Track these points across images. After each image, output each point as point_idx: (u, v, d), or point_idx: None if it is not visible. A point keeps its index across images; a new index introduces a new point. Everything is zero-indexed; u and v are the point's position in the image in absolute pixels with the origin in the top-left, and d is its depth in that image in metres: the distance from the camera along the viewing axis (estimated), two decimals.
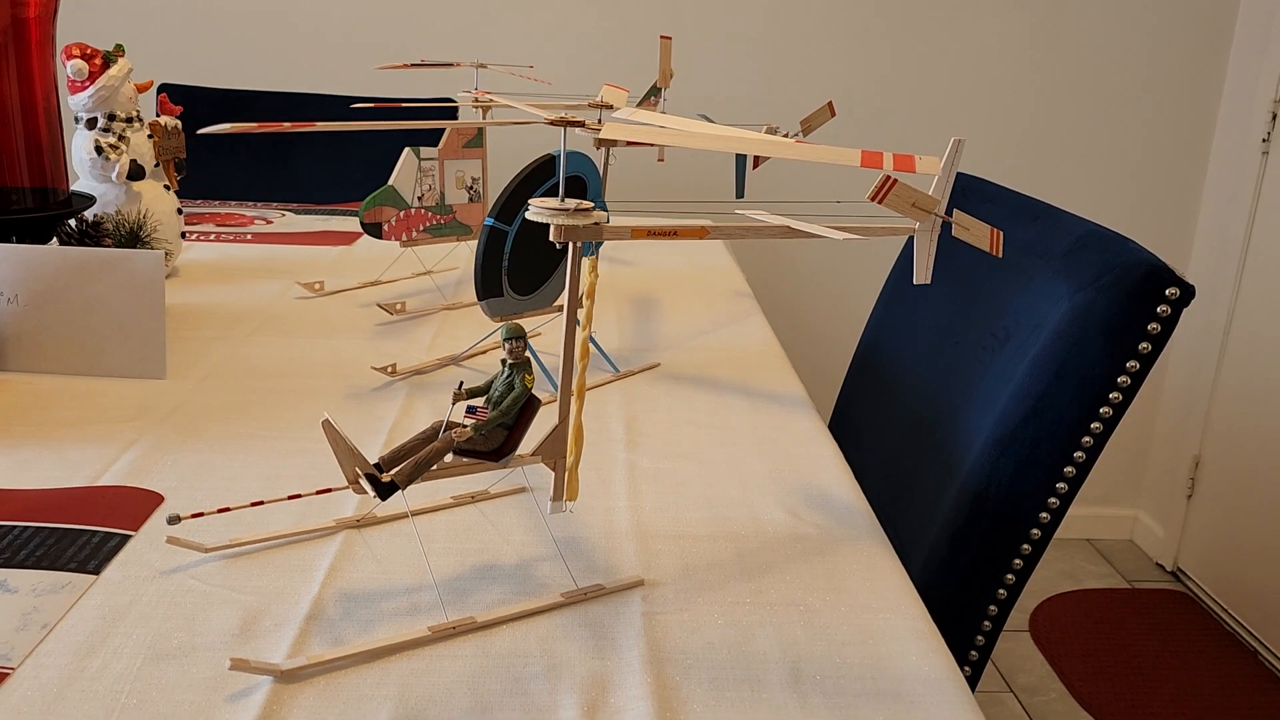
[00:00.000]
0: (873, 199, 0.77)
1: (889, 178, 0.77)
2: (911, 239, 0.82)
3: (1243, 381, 2.34)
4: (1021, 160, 2.38)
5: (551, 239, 0.66)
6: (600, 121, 1.13)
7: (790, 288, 2.43)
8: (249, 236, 1.54)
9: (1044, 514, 0.93)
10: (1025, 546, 0.94)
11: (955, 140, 0.81)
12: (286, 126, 0.51)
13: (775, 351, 1.15)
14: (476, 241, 1.31)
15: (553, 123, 0.68)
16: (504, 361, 0.67)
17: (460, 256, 1.46)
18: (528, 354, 0.68)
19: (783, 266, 2.41)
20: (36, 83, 1.07)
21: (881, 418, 1.30)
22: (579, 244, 0.67)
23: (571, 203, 0.66)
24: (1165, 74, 2.34)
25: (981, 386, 1.06)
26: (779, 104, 2.31)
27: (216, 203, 1.76)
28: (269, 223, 1.64)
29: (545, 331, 1.15)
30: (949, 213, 0.81)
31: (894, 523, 1.05)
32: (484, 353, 1.10)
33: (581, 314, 0.69)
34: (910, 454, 1.18)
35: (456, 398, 0.66)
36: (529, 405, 0.67)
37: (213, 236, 1.52)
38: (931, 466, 1.11)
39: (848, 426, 1.38)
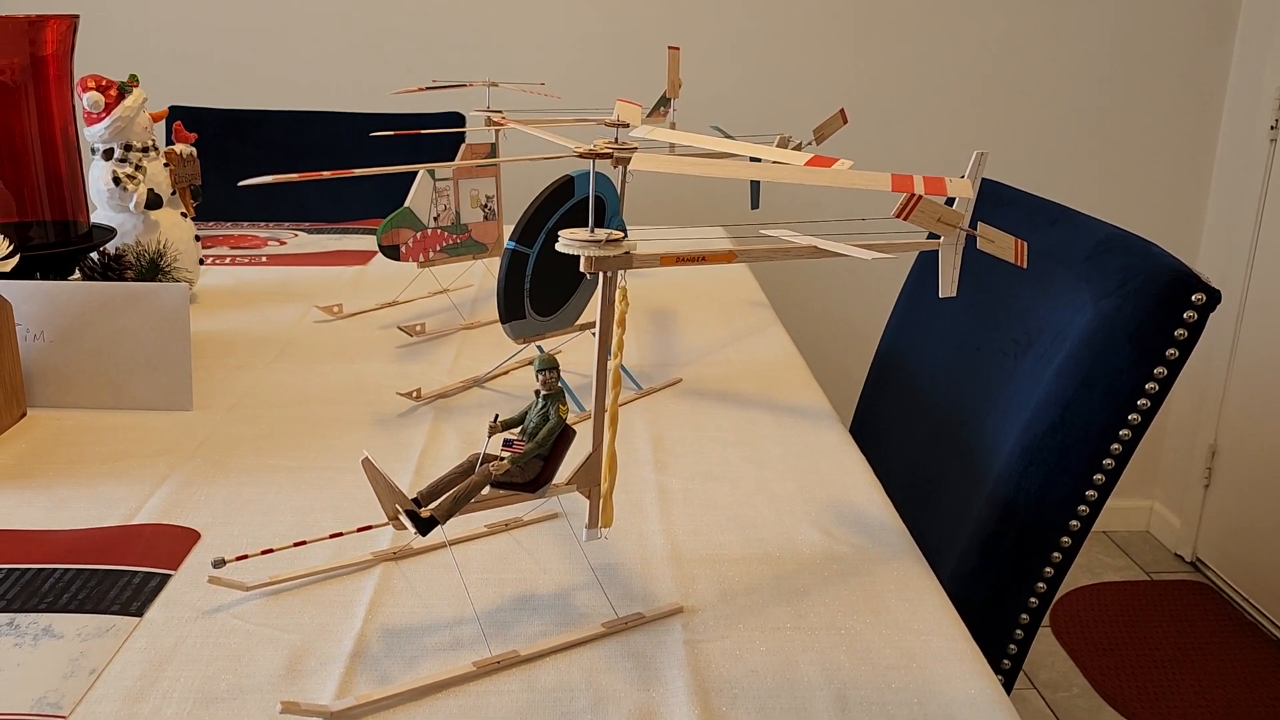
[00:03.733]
0: (898, 216, 0.77)
1: (913, 195, 0.78)
2: (931, 250, 0.82)
3: (1257, 369, 2.33)
4: (1028, 157, 2.38)
5: (582, 269, 0.66)
6: (618, 140, 1.13)
7: (805, 294, 2.43)
8: (264, 259, 1.54)
9: (1074, 521, 0.93)
10: (1056, 555, 0.94)
11: (978, 154, 0.81)
12: (326, 175, 0.51)
13: (796, 363, 1.15)
14: (492, 258, 1.32)
15: (582, 155, 0.68)
16: (538, 392, 0.67)
17: (476, 274, 1.46)
18: (560, 385, 0.68)
19: (797, 273, 2.41)
20: (55, 117, 1.07)
21: (903, 423, 1.30)
22: (610, 273, 0.67)
23: (601, 233, 0.66)
24: (1169, 65, 2.33)
25: (1005, 393, 1.06)
26: (789, 111, 2.31)
27: (229, 224, 1.77)
28: (283, 244, 1.64)
29: (567, 350, 1.16)
30: (973, 225, 0.81)
31: (920, 529, 1.05)
32: (506, 374, 1.10)
33: (613, 342, 0.69)
34: (934, 460, 1.18)
35: (492, 430, 0.66)
36: (564, 436, 0.67)
37: (228, 260, 1.53)
38: (956, 473, 1.11)
39: (869, 432, 1.38)
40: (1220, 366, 2.43)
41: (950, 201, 0.81)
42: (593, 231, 0.66)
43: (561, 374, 1.09)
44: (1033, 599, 0.96)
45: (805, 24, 2.28)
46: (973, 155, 0.80)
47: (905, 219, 0.77)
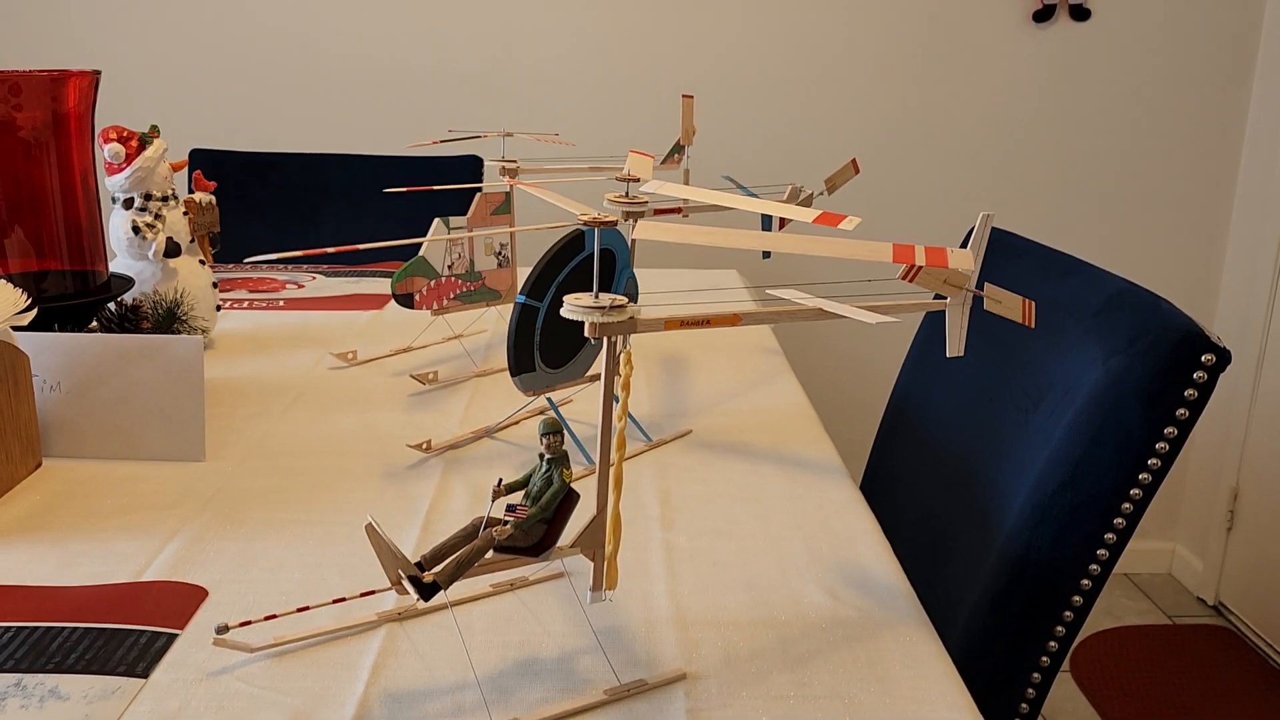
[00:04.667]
0: (904, 278, 0.77)
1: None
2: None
3: (1279, 410, 2.31)
4: (1042, 207, 2.38)
5: (586, 335, 0.66)
6: (629, 194, 1.14)
7: (819, 340, 2.43)
8: (281, 303, 1.56)
9: (1085, 580, 0.92)
10: (1067, 614, 0.93)
11: (984, 215, 0.81)
12: (331, 250, 0.52)
13: (807, 414, 1.15)
14: (505, 305, 1.33)
15: (587, 223, 0.69)
16: (542, 456, 0.68)
17: (489, 320, 1.47)
18: (566, 431, 0.68)
19: (810, 321, 2.41)
20: (75, 169, 1.09)
21: (916, 474, 1.29)
22: (614, 339, 0.68)
23: (606, 298, 0.66)
24: (1186, 115, 2.33)
25: (1016, 447, 1.05)
26: (803, 156, 2.32)
27: (248, 267, 1.79)
28: (300, 287, 1.66)
29: (577, 400, 1.16)
30: (980, 285, 0.81)
31: (932, 581, 1.05)
32: (517, 424, 1.10)
33: (617, 407, 0.69)
34: (945, 512, 1.17)
35: (496, 494, 0.67)
36: (568, 500, 0.67)
37: (246, 304, 1.54)
38: (968, 526, 1.10)
39: (882, 480, 1.38)
40: (1242, 408, 2.41)
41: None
42: (597, 297, 0.66)
43: (570, 425, 1.09)
44: (1045, 657, 0.95)
45: (819, 72, 2.29)
46: (979, 216, 0.80)
47: (911, 280, 0.77)
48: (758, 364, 1.32)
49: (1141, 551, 2.65)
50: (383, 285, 1.67)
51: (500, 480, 0.67)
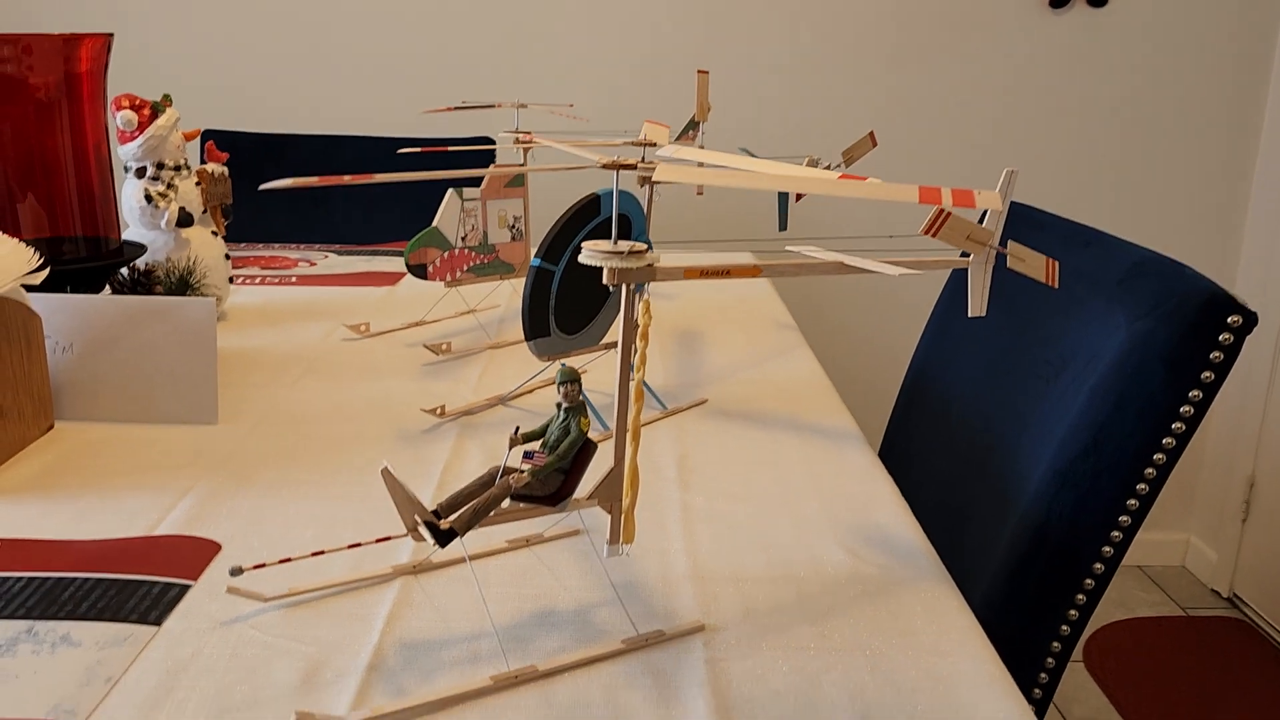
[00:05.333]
0: (927, 233, 0.76)
1: (942, 211, 0.77)
2: (962, 270, 0.81)
3: None
4: (1062, 181, 2.36)
5: (605, 282, 0.66)
6: (645, 160, 1.13)
7: (833, 317, 2.42)
8: (294, 279, 1.55)
9: (1106, 548, 0.91)
10: (1088, 581, 0.92)
11: (1008, 171, 0.80)
12: (347, 179, 0.51)
13: (823, 384, 1.14)
14: (518, 279, 1.32)
15: (605, 166, 0.68)
16: (559, 405, 0.67)
17: (503, 295, 1.46)
18: (582, 397, 0.67)
19: (824, 296, 2.40)
20: (88, 134, 1.08)
21: (933, 447, 1.28)
22: (632, 286, 0.67)
23: (624, 245, 0.65)
24: (1205, 87, 2.31)
25: (1037, 416, 1.04)
26: (817, 136, 2.31)
27: (260, 246, 1.78)
28: (313, 264, 1.65)
29: (592, 369, 1.15)
30: (1003, 244, 0.80)
31: (950, 554, 1.03)
32: (531, 392, 1.10)
33: (636, 356, 0.68)
34: (964, 484, 1.16)
35: (513, 443, 0.66)
36: (585, 449, 0.66)
37: (258, 280, 1.54)
38: (987, 497, 1.09)
39: (898, 456, 1.36)
40: (1258, 397, 2.39)
41: (980, 219, 0.80)
42: (616, 243, 0.65)
43: (585, 392, 1.08)
44: (1065, 626, 0.94)
45: (834, 48, 2.28)
46: (1003, 173, 0.79)
47: (934, 236, 0.76)
48: (772, 337, 1.31)
49: (1155, 543, 2.63)
50: (394, 264, 1.66)
51: (517, 429, 0.66)
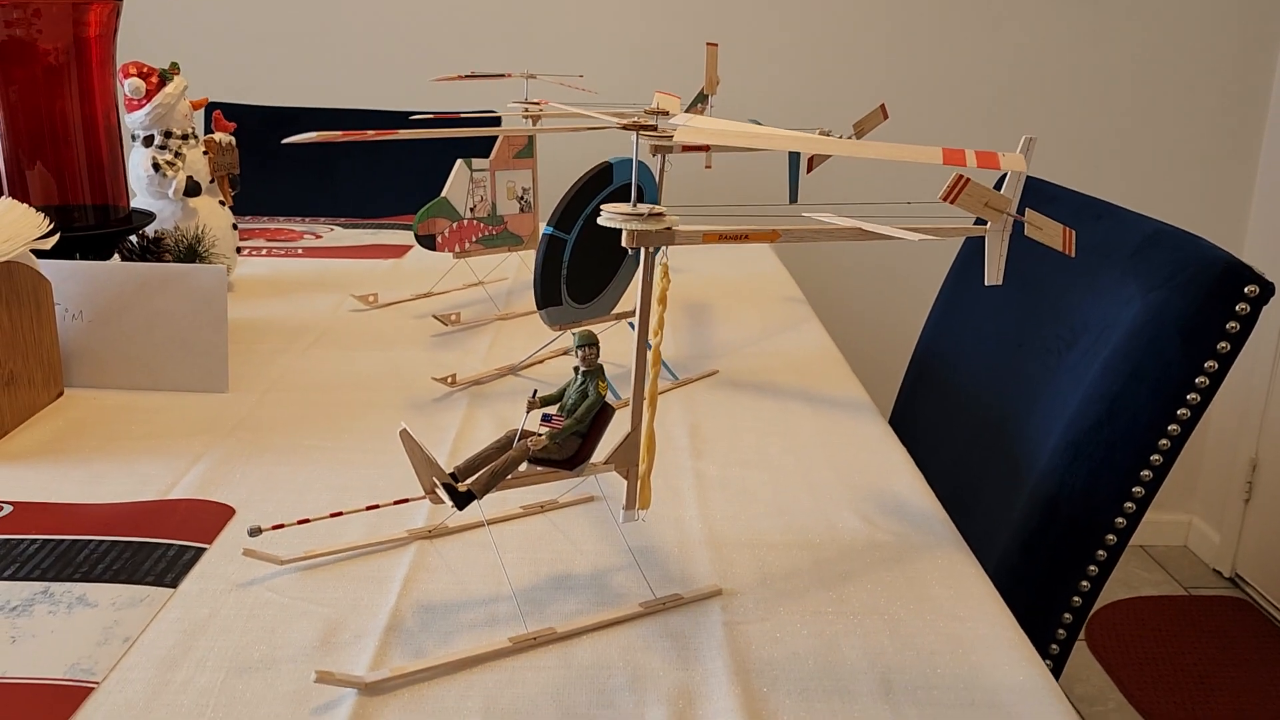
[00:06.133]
0: (945, 199, 0.75)
1: (961, 177, 0.76)
2: (972, 241, 0.80)
3: None
4: (1067, 156, 2.35)
5: (624, 244, 0.65)
6: (657, 129, 1.12)
7: (841, 292, 2.41)
8: (300, 251, 1.55)
9: (1120, 519, 0.91)
10: (1100, 553, 0.92)
11: (1027, 138, 0.79)
12: (371, 135, 0.51)
13: (834, 356, 1.14)
14: (527, 251, 1.31)
15: (625, 127, 0.67)
16: (577, 369, 0.66)
17: (510, 267, 1.46)
18: (600, 361, 0.67)
19: (832, 271, 2.40)
20: (97, 101, 1.08)
21: (943, 422, 1.28)
22: (651, 249, 0.66)
23: (644, 207, 0.65)
24: (1212, 65, 2.30)
25: (1049, 390, 1.04)
26: (828, 107, 2.30)
27: (265, 218, 1.78)
28: (318, 237, 1.64)
29: (603, 339, 1.14)
30: (1020, 211, 0.79)
31: (960, 529, 1.04)
32: (541, 362, 1.09)
33: (653, 320, 0.68)
34: (975, 459, 1.16)
35: (531, 406, 0.66)
36: (603, 413, 0.66)
37: (264, 251, 1.53)
38: (998, 472, 1.09)
39: (907, 431, 1.36)
40: (1262, 378, 2.38)
41: (998, 186, 0.80)
42: (635, 205, 0.65)
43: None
44: (1076, 598, 0.94)
45: (844, 21, 2.26)
46: (1022, 139, 0.79)
47: (952, 202, 0.76)
48: (782, 311, 1.31)
49: (1157, 524, 2.63)
50: (402, 236, 1.66)
51: (535, 392, 0.66)
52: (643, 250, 0.66)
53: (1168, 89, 2.31)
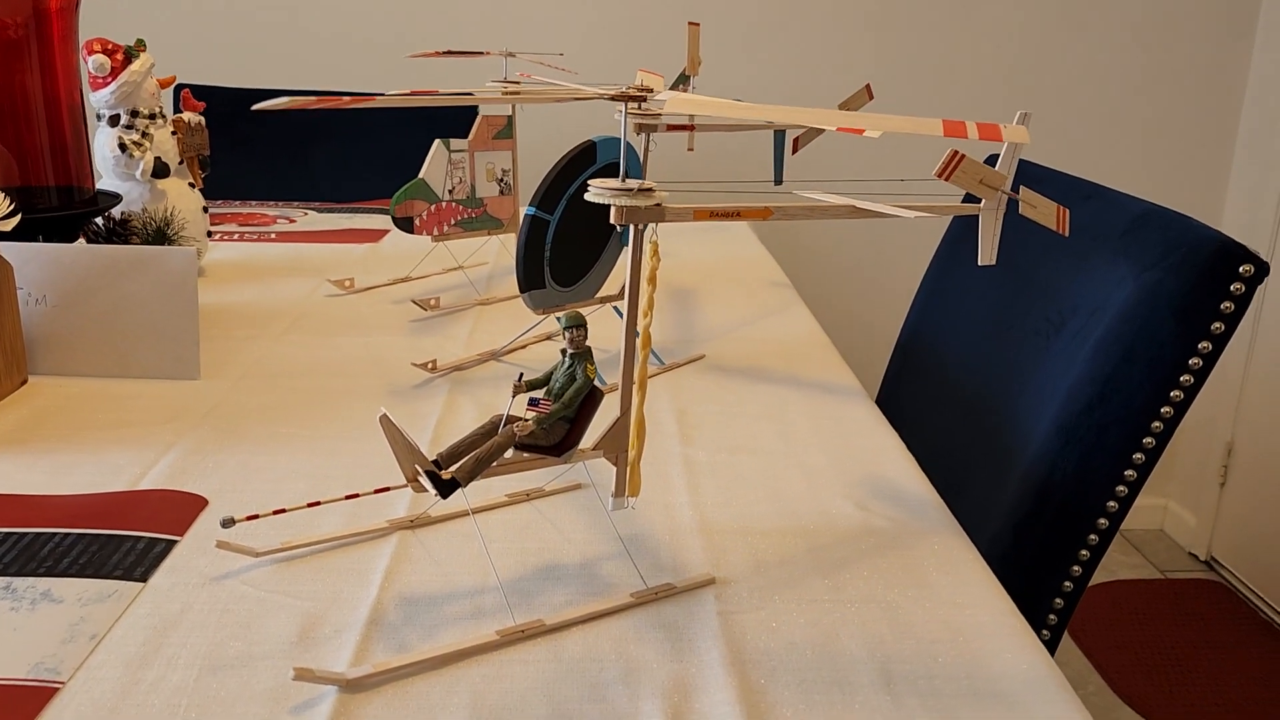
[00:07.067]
0: (939, 175, 0.73)
1: (956, 153, 0.74)
2: (957, 224, 0.79)
3: (1274, 366, 2.30)
4: (1045, 137, 2.35)
5: (612, 220, 0.63)
6: (641, 107, 1.10)
7: (822, 278, 2.39)
8: (273, 235, 1.51)
9: (1112, 503, 0.90)
10: (1092, 537, 0.91)
11: (1022, 113, 0.77)
12: (346, 102, 0.48)
13: (821, 341, 1.12)
14: (507, 235, 1.28)
15: (614, 98, 0.65)
16: (564, 351, 0.64)
17: (490, 251, 1.43)
18: (589, 343, 0.65)
19: (813, 257, 2.38)
20: (60, 78, 1.04)
21: (929, 407, 1.26)
22: (640, 226, 0.64)
23: (633, 182, 0.63)
24: (1190, 56, 2.30)
25: (1039, 373, 1.03)
26: (811, 88, 2.28)
27: (237, 203, 1.74)
28: (292, 221, 1.61)
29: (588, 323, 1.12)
30: (1015, 189, 0.77)
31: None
32: (524, 347, 1.07)
33: (643, 300, 0.66)
34: (962, 444, 1.15)
35: (517, 390, 0.63)
36: (591, 397, 0.64)
37: (236, 236, 1.50)
38: (986, 457, 1.08)
39: (892, 415, 1.34)
40: (1238, 363, 2.39)
41: (991, 163, 0.78)
42: (624, 180, 0.62)
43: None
44: (1067, 582, 0.93)
45: (827, 5, 2.24)
46: (1017, 114, 0.77)
47: (947, 178, 0.74)
48: (768, 295, 1.29)
49: (1134, 507, 2.63)
50: (377, 221, 1.62)
51: (521, 375, 0.64)
52: (632, 228, 0.64)
53: (1144, 72, 2.31)
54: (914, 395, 1.32)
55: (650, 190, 0.63)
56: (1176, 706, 1.96)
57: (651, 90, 1.06)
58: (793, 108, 0.64)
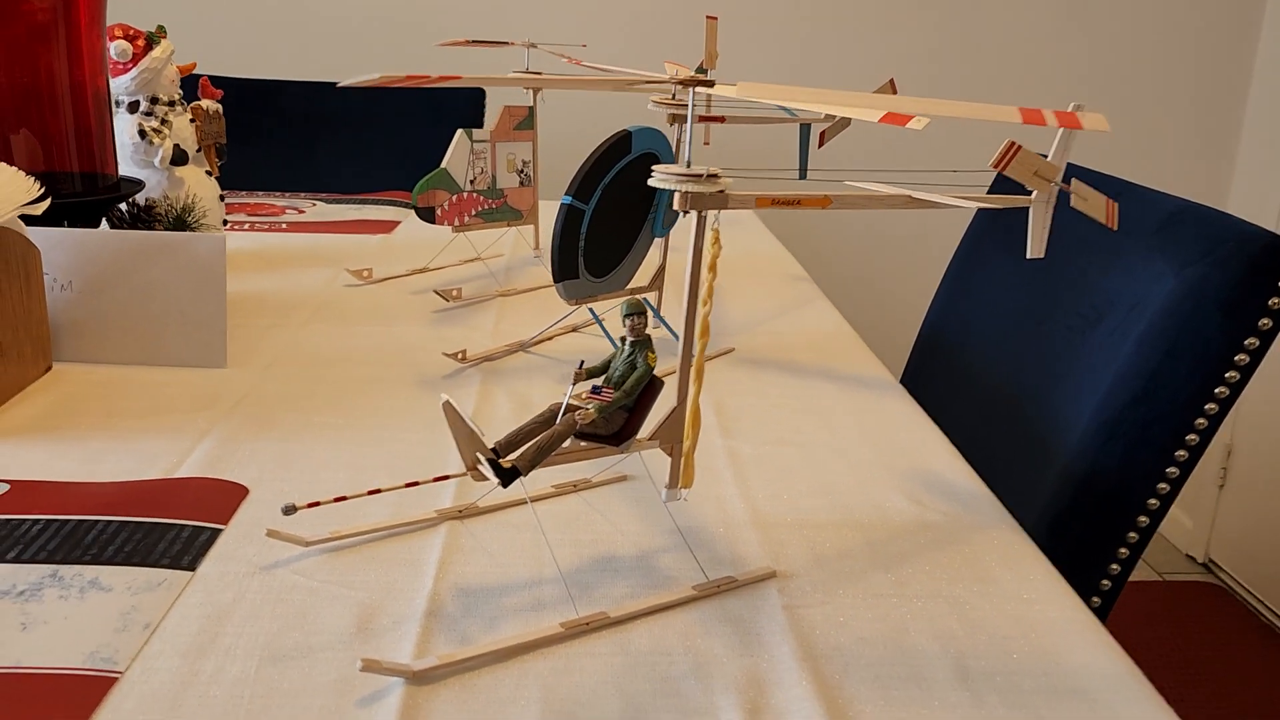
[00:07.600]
0: (995, 166, 0.73)
1: (1012, 144, 0.74)
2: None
3: (1274, 367, 2.30)
4: (1049, 134, 2.34)
5: (676, 207, 0.62)
6: (675, 97, 1.09)
7: (839, 274, 2.38)
8: (284, 226, 1.49)
9: (1153, 500, 0.89)
10: (1132, 535, 0.90)
11: (1075, 106, 0.77)
12: (434, 79, 0.47)
13: (849, 334, 1.11)
14: (525, 226, 1.27)
15: (681, 83, 0.64)
16: (624, 339, 0.63)
17: (507, 243, 1.41)
18: (649, 331, 0.64)
19: (830, 253, 2.37)
20: (85, 63, 1.02)
21: (954, 403, 1.25)
22: (703, 213, 0.63)
23: (699, 168, 0.61)
24: (1193, 57, 2.30)
25: (1074, 367, 1.02)
26: (829, 83, 2.27)
27: (244, 193, 1.72)
28: (301, 212, 1.59)
29: (612, 316, 1.11)
30: (1066, 181, 0.77)
31: None
32: (551, 339, 1.05)
33: (703, 289, 0.65)
34: (991, 439, 1.14)
35: (577, 377, 0.62)
36: (651, 386, 0.63)
37: (246, 226, 1.48)
38: (1017, 452, 1.07)
39: None
40: None
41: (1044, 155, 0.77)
42: (689, 165, 0.61)
43: (615, 340, 1.04)
44: (1105, 581, 0.92)
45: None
46: (1070, 105, 0.76)
47: (1003, 170, 0.73)
48: (790, 290, 1.28)
49: None
50: (387, 211, 1.60)
51: (582, 363, 0.62)
52: (695, 215, 0.62)
53: (1149, 70, 2.31)
54: (939, 388, 1.32)
55: (716, 176, 0.62)
56: (1175, 710, 1.96)
57: (706, 73, 1.05)
58: (862, 94, 0.63)
